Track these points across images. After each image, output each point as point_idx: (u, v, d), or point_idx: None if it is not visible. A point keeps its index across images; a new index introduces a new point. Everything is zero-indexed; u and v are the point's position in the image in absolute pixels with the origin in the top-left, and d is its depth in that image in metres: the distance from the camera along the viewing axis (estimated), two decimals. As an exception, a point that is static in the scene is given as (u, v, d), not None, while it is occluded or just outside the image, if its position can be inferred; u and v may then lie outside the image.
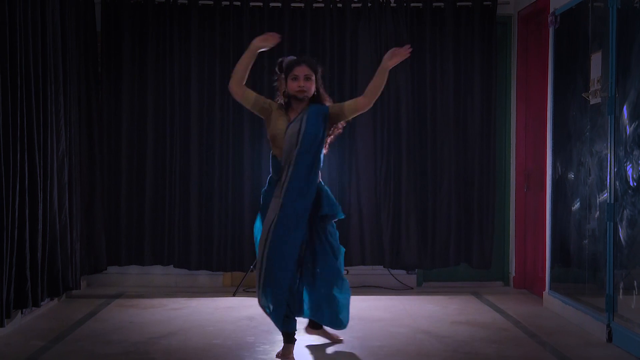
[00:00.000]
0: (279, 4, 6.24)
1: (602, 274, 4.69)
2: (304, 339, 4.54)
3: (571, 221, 5.22)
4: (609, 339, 4.57)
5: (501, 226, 6.54)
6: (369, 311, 5.45)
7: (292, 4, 6.24)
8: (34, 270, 4.84)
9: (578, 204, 5.11)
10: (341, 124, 4.38)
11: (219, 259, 6.28)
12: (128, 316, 5.24)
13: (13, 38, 4.51)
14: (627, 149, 4.37)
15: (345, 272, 6.31)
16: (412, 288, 6.42)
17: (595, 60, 4.85)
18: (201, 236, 6.27)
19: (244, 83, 4.19)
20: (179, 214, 6.26)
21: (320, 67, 4.33)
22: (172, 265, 6.31)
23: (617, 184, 4.51)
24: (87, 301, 5.72)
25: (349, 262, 6.24)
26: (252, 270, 6.10)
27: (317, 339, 4.60)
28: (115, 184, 6.25)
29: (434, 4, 6.29)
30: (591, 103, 4.91)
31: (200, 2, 6.23)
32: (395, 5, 6.26)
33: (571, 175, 5.23)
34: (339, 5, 6.27)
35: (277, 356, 4.22)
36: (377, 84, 4.26)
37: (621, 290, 4.47)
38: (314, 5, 6.26)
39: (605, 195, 4.65)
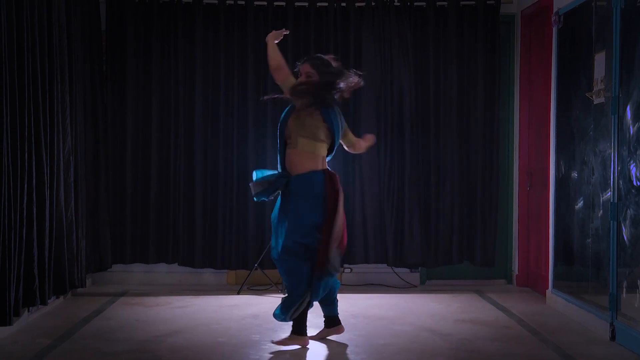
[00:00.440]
0: (283, 3, 6.26)
1: (606, 272, 4.71)
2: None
3: (574, 220, 5.24)
4: (612, 337, 4.59)
5: (504, 224, 6.56)
6: (372, 309, 5.47)
7: (296, 3, 6.26)
8: (41, 269, 4.87)
9: (581, 202, 5.13)
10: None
11: (224, 257, 6.30)
12: (133, 314, 5.27)
13: (20, 38, 4.53)
14: (631, 148, 4.39)
15: (349, 270, 6.37)
16: (415, 286, 6.44)
17: (599, 60, 4.87)
18: (205, 234, 6.30)
19: (283, 65, 4.49)
20: (183, 212, 6.29)
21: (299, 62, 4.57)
22: (176, 263, 6.34)
23: (621, 183, 4.52)
24: (92, 299, 5.75)
25: (352, 261, 6.27)
26: (256, 269, 6.13)
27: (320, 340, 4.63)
28: (120, 182, 6.27)
29: (438, 3, 6.31)
30: (595, 103, 4.93)
31: (204, 1, 6.25)
32: (399, 4, 6.28)
33: (574, 174, 5.25)
34: (343, 4, 6.28)
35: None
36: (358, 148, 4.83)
37: (624, 289, 4.49)
38: (318, 4, 6.27)
39: (609, 194, 4.67)
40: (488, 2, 6.30)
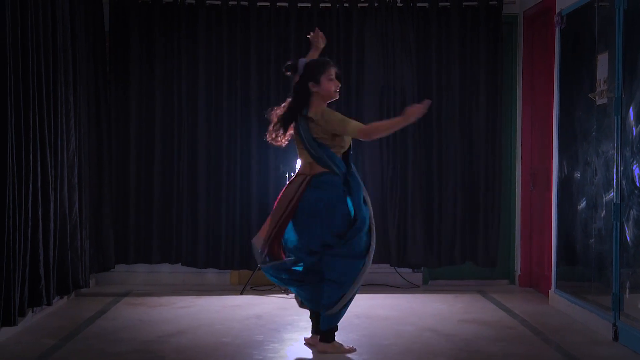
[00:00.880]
0: (286, 4, 6.26)
1: (608, 272, 4.72)
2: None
3: (577, 220, 5.25)
4: (615, 337, 4.59)
5: (507, 225, 6.56)
6: (375, 309, 5.48)
7: (299, 4, 6.27)
8: (46, 269, 4.88)
9: (584, 203, 5.13)
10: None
11: (227, 257, 6.31)
12: (137, 314, 5.28)
13: (25, 39, 4.54)
14: (634, 149, 4.39)
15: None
16: (418, 286, 6.45)
17: (602, 61, 4.87)
18: (209, 234, 6.31)
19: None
20: (186, 212, 6.30)
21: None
22: (179, 264, 6.35)
23: (624, 183, 4.53)
24: (96, 299, 5.76)
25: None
26: (259, 269, 6.13)
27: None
28: (124, 182, 6.28)
29: (440, 4, 6.31)
30: (597, 103, 4.94)
31: (207, 1, 6.26)
32: (401, 5, 6.29)
33: (577, 175, 5.26)
34: (346, 5, 6.29)
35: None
36: (388, 126, 4.40)
37: (627, 289, 4.49)
38: (321, 5, 6.28)
39: (612, 195, 4.68)
40: (490, 2, 6.30)
